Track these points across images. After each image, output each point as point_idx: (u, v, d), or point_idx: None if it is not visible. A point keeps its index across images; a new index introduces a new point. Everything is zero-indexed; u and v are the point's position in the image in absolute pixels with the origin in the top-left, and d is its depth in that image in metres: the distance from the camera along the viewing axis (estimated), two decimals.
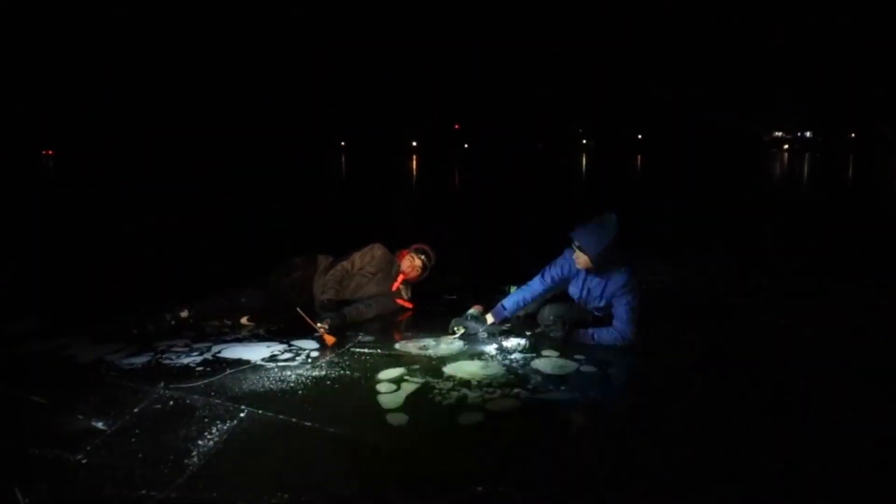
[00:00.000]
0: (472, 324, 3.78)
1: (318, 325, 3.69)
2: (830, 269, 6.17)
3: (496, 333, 3.79)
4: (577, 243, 3.61)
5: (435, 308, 4.39)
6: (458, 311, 3.96)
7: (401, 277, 4.32)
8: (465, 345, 3.66)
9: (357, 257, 4.27)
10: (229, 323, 3.94)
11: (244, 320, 4.00)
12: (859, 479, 2.34)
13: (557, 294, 3.98)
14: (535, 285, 3.87)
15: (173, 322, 3.86)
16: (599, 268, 3.63)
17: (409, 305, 4.32)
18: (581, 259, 3.63)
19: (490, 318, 3.80)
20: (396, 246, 4.48)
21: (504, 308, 3.83)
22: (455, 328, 3.76)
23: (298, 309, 3.78)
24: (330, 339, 3.64)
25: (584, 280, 3.77)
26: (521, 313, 4.00)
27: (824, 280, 5.55)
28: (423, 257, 4.34)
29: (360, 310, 4.06)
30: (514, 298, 3.86)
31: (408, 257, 4.33)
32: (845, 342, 3.88)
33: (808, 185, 20.55)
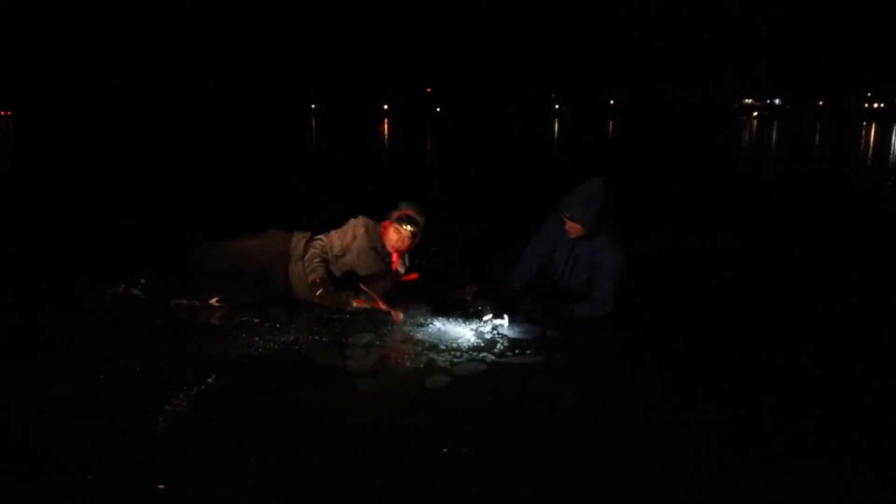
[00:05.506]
0: (487, 302, 3.63)
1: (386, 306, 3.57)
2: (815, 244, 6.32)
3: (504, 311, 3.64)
4: (567, 214, 3.58)
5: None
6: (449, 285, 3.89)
7: (394, 255, 3.90)
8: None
9: (335, 237, 3.83)
10: (197, 303, 3.72)
11: (214, 301, 3.71)
12: (856, 475, 2.21)
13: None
14: (530, 259, 3.87)
15: (137, 291, 3.76)
16: (592, 235, 3.63)
17: (415, 277, 3.95)
18: (574, 229, 3.61)
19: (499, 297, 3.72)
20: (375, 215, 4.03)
21: (510, 287, 3.80)
22: (480, 308, 3.59)
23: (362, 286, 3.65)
24: (397, 315, 3.54)
25: (573, 247, 3.76)
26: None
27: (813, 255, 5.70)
28: (408, 226, 3.83)
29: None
30: (516, 276, 3.84)
31: (392, 229, 3.85)
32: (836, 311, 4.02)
33: (778, 153, 20.84)
